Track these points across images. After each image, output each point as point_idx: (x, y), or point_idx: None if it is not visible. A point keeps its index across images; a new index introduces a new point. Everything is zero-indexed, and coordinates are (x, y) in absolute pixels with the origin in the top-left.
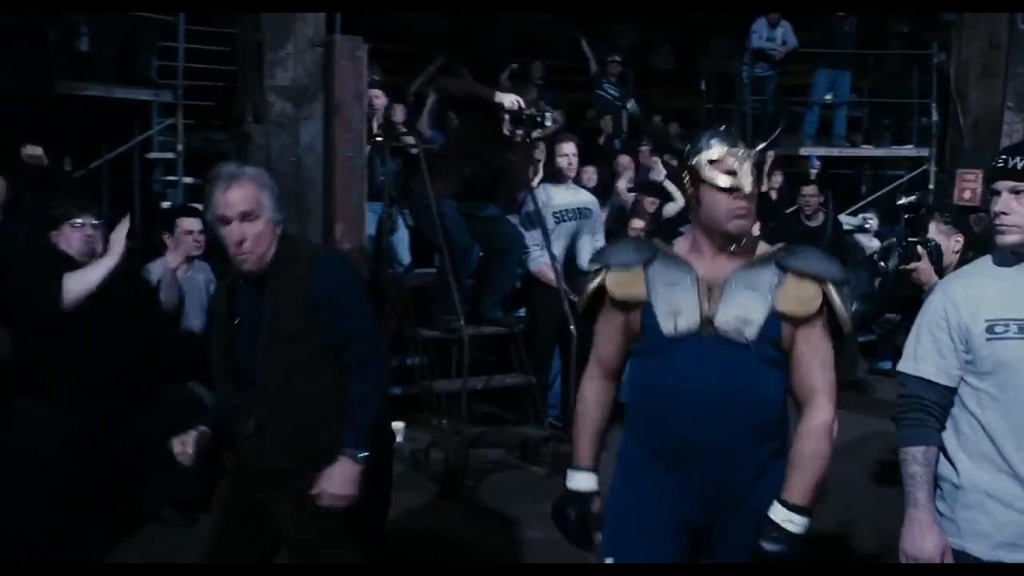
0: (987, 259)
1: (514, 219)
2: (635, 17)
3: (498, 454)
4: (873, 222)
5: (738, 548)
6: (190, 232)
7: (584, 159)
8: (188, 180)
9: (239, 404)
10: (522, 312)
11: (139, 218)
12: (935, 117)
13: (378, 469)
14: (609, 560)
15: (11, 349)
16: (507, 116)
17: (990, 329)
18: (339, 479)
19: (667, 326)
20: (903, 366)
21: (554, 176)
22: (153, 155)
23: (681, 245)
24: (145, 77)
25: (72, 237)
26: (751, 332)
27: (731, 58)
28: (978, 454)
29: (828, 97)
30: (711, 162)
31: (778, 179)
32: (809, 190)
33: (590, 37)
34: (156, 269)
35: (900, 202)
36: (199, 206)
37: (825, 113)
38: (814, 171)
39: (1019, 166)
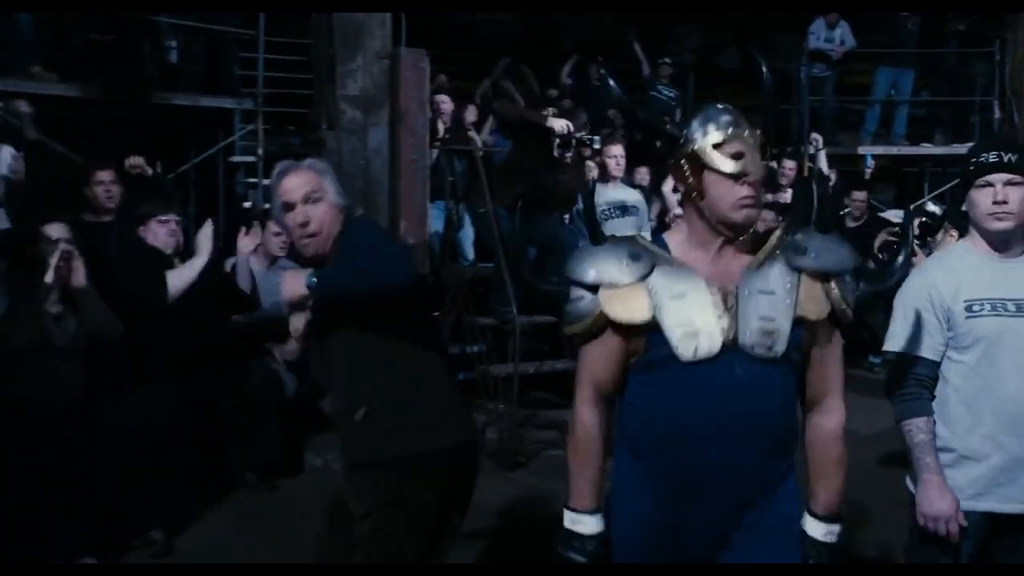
0: (960, 246)
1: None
2: (701, 17)
3: (549, 435)
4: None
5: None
6: (278, 234)
7: (639, 160)
8: (267, 182)
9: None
10: None
11: (222, 218)
12: (997, 114)
13: (464, 472)
14: None
15: (121, 334)
16: (557, 140)
17: (968, 308)
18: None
19: (685, 350)
20: (894, 346)
21: (602, 175)
22: (236, 159)
23: (676, 246)
24: (229, 87)
25: (158, 231)
26: (780, 346)
27: (789, 58)
28: (955, 419)
29: (891, 94)
30: (715, 146)
31: (833, 176)
32: (859, 195)
33: (656, 38)
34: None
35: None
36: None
37: (885, 112)
38: (869, 170)
39: (1012, 160)
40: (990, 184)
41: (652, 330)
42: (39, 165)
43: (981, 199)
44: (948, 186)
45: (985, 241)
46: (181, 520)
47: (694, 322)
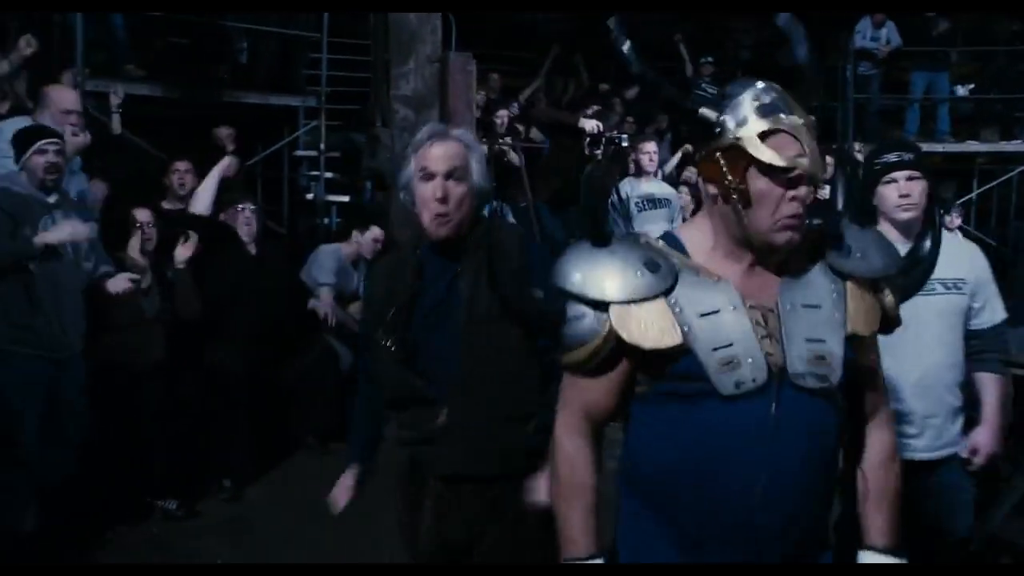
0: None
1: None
2: (760, 14)
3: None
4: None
5: None
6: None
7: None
8: (328, 175)
9: (420, 393)
10: None
11: (287, 207)
12: None
13: None
14: None
15: (200, 310)
16: (588, 139)
17: None
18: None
19: (725, 383)
20: None
21: (636, 171)
22: (299, 153)
23: (698, 250)
24: (294, 86)
25: (238, 217)
26: (836, 374)
27: (836, 56)
28: None
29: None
30: (763, 135)
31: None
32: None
33: (712, 35)
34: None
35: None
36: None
37: (927, 111)
38: None
39: (910, 158)
40: (895, 180)
41: (679, 355)
42: (121, 158)
43: (888, 193)
44: (996, 182)
45: (894, 229)
46: (249, 473)
47: (731, 347)
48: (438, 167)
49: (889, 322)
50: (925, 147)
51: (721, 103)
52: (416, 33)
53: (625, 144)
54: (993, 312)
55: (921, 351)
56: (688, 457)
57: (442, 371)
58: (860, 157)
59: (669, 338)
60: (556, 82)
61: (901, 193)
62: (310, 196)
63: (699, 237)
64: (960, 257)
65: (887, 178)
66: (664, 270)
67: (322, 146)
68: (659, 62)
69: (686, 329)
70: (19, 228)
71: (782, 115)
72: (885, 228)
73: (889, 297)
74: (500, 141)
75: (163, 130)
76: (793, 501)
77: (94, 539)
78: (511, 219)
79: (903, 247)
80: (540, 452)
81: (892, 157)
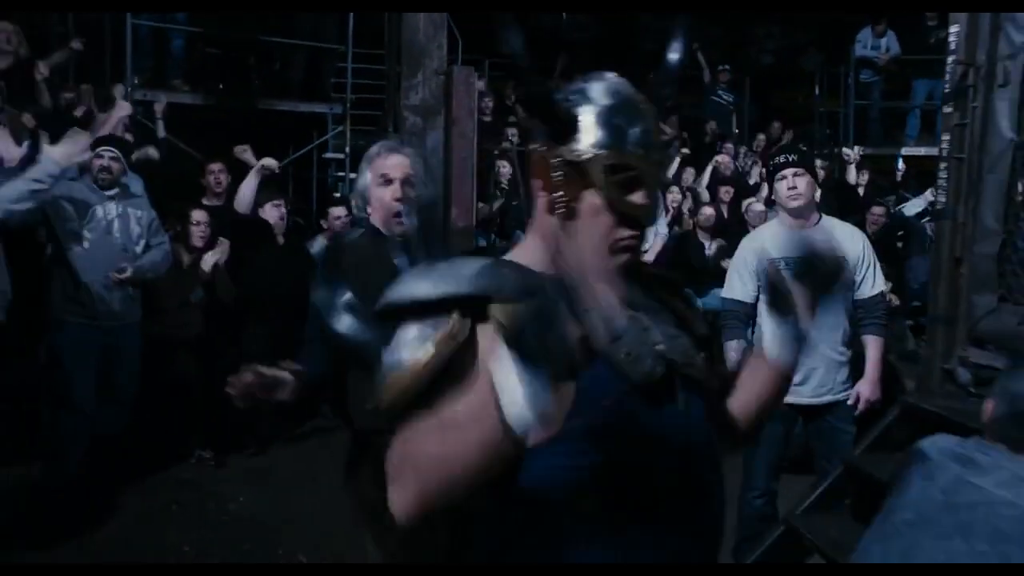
0: (774, 222)
1: None
2: (783, 19)
3: None
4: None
5: None
6: (338, 218)
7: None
8: (353, 175)
9: None
10: None
11: (315, 205)
12: None
13: None
14: None
15: (236, 293)
16: None
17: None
18: None
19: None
20: (724, 293)
21: None
22: (328, 155)
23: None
24: (322, 94)
25: (272, 213)
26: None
27: (837, 63)
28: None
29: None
30: (612, 168)
31: (864, 177)
32: (878, 210)
33: (734, 40)
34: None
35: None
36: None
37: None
38: (900, 172)
39: (794, 159)
40: (784, 177)
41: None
42: (165, 159)
43: (780, 188)
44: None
45: (788, 216)
46: (275, 440)
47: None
48: (395, 174)
49: None
50: (924, 151)
51: (570, 99)
52: (424, 49)
53: None
54: (872, 285)
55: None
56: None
57: None
58: (851, 168)
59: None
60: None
61: (789, 186)
62: (337, 195)
63: (535, 257)
64: (843, 239)
65: (779, 176)
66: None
67: (347, 149)
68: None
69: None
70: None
71: (629, 145)
72: (781, 218)
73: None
74: (498, 148)
75: (204, 134)
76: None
77: (136, 479)
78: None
79: (791, 232)
80: None
81: (781, 159)
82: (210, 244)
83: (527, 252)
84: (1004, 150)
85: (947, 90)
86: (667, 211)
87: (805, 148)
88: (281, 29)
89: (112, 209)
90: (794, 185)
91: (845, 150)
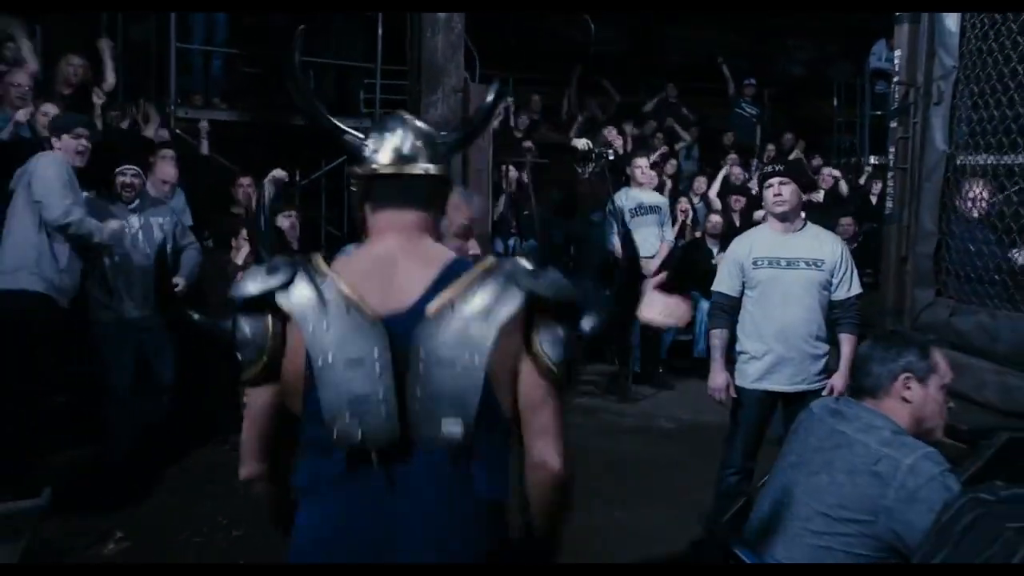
0: (763, 225)
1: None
2: (811, 30)
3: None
4: None
5: None
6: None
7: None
8: None
9: None
10: None
11: (347, 214)
12: None
13: None
14: None
15: None
16: (578, 155)
17: (754, 263)
18: None
19: None
20: (713, 287)
21: (630, 182)
22: None
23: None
24: (354, 108)
25: (282, 222)
26: None
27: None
28: (746, 332)
29: None
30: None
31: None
32: (846, 220)
33: (764, 52)
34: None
35: None
36: None
37: None
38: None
39: (780, 169)
40: (771, 184)
41: None
42: (206, 173)
43: (768, 195)
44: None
45: (775, 220)
46: None
47: None
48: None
49: None
50: None
51: (368, 133)
52: (443, 68)
53: (612, 158)
54: (848, 288)
55: (785, 308)
56: None
57: None
58: (842, 184)
59: None
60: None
61: (775, 193)
62: None
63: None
64: (823, 244)
65: (767, 184)
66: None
67: None
68: (701, 81)
69: None
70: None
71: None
72: (769, 222)
73: None
74: (510, 161)
75: (242, 149)
76: None
77: (176, 462)
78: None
79: (776, 235)
80: None
81: (769, 169)
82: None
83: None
84: (938, 160)
85: (894, 107)
86: (675, 220)
87: (797, 160)
88: (312, 49)
89: (135, 221)
90: (779, 192)
91: (870, 158)
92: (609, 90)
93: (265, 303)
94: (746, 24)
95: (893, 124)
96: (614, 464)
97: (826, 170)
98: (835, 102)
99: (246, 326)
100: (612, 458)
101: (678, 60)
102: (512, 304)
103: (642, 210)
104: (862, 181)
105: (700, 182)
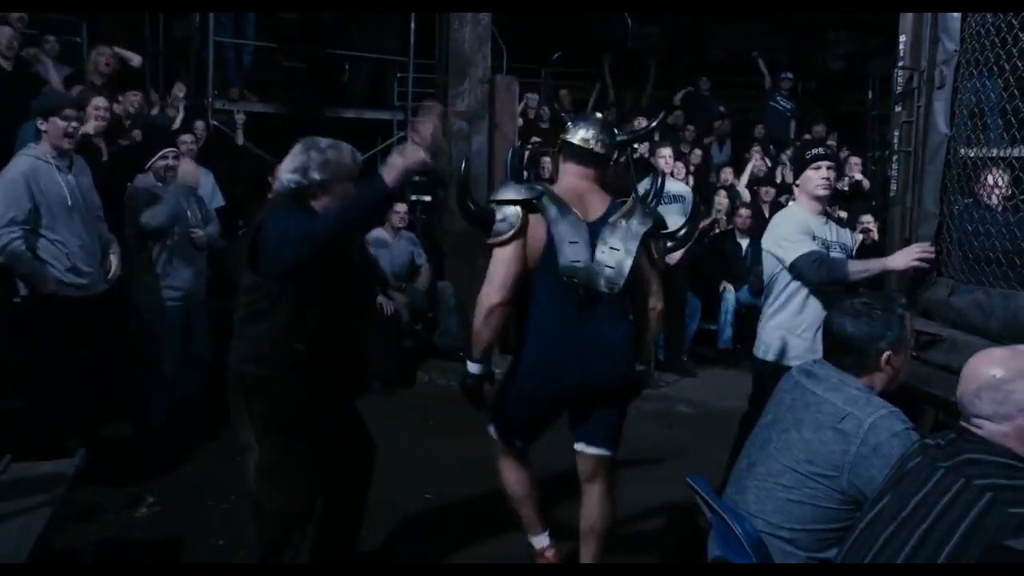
0: (797, 206)
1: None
2: (851, 23)
3: None
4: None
5: None
6: (398, 212)
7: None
8: (414, 178)
9: None
10: None
11: None
12: None
13: None
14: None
15: None
16: None
17: (813, 239)
18: None
19: None
20: (796, 252)
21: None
22: None
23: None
24: (386, 102)
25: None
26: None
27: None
28: (791, 308)
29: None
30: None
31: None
32: (866, 218)
33: (804, 47)
34: (374, 233)
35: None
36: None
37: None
38: None
39: (827, 152)
40: (820, 167)
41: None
42: (243, 162)
43: (814, 176)
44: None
45: (814, 202)
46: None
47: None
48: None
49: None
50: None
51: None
52: (470, 60)
53: (637, 148)
54: None
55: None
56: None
57: None
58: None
59: None
60: (624, 94)
61: (823, 176)
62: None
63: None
64: (845, 231)
65: (815, 164)
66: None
67: None
68: (740, 75)
69: None
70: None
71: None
72: (807, 203)
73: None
74: (530, 145)
75: (277, 139)
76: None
77: (207, 436)
78: None
79: (820, 218)
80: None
81: (819, 150)
82: None
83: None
84: (940, 144)
85: (898, 92)
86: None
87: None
88: (348, 43)
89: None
90: (827, 176)
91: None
92: (645, 82)
93: (517, 202)
94: (785, 19)
95: (898, 108)
96: (628, 445)
97: (854, 159)
98: (870, 95)
99: (505, 212)
100: (627, 440)
101: (718, 56)
102: (647, 224)
103: (666, 199)
104: (889, 175)
105: (727, 173)
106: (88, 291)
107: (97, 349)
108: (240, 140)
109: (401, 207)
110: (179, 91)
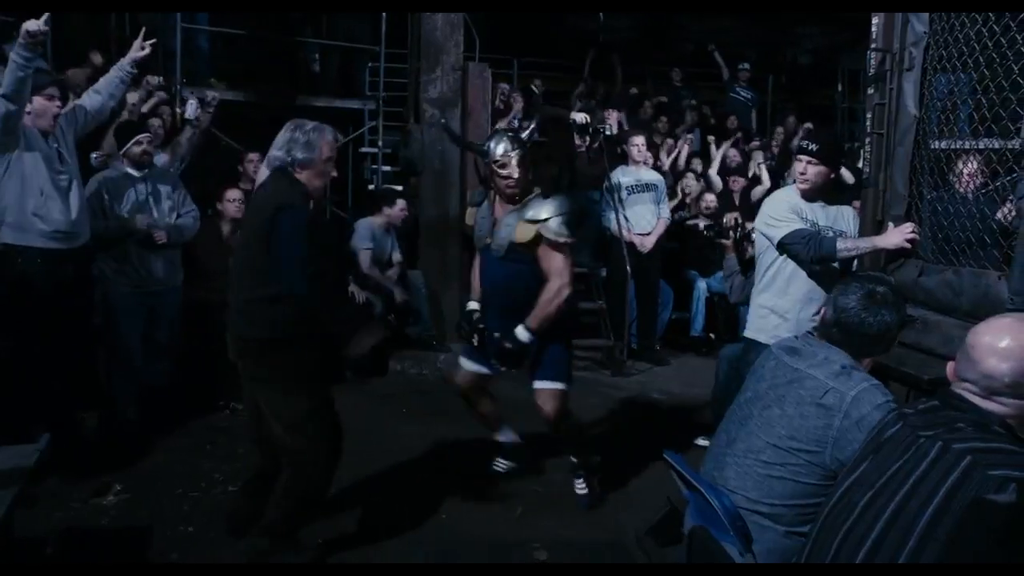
0: (790, 190)
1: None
2: (821, 18)
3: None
4: None
5: None
6: (403, 210)
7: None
8: (386, 168)
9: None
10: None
11: (350, 195)
12: None
13: None
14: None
15: None
16: (576, 128)
17: (803, 219)
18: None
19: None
20: (786, 231)
21: (628, 160)
22: (364, 150)
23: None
24: (358, 91)
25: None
26: (502, 251)
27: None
28: (775, 288)
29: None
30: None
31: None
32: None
33: (775, 40)
34: (364, 223)
35: None
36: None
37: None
38: None
39: (813, 148)
40: (800, 160)
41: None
42: (211, 149)
43: (796, 167)
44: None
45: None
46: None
47: (481, 231)
48: (334, 153)
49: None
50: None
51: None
52: (442, 46)
53: (608, 133)
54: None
55: (812, 270)
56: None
57: None
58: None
59: (469, 222)
60: (596, 85)
61: (800, 171)
62: (371, 187)
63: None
64: (844, 216)
65: (797, 158)
66: (480, 198)
67: (380, 143)
68: (698, 67)
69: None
70: (113, 204)
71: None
72: (796, 186)
73: (547, 229)
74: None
75: (248, 128)
76: (495, 291)
77: (178, 425)
78: None
79: (810, 204)
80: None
81: (804, 144)
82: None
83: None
84: (909, 125)
85: (871, 74)
86: (673, 196)
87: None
88: (319, 31)
89: (143, 189)
90: (804, 171)
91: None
92: (616, 74)
93: None
94: (755, 14)
95: (871, 91)
96: (603, 431)
97: None
98: (839, 88)
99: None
100: (602, 426)
101: (689, 48)
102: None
103: (639, 187)
104: (860, 165)
105: (697, 163)
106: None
107: (64, 335)
108: (206, 125)
109: (402, 202)
110: (153, 79)
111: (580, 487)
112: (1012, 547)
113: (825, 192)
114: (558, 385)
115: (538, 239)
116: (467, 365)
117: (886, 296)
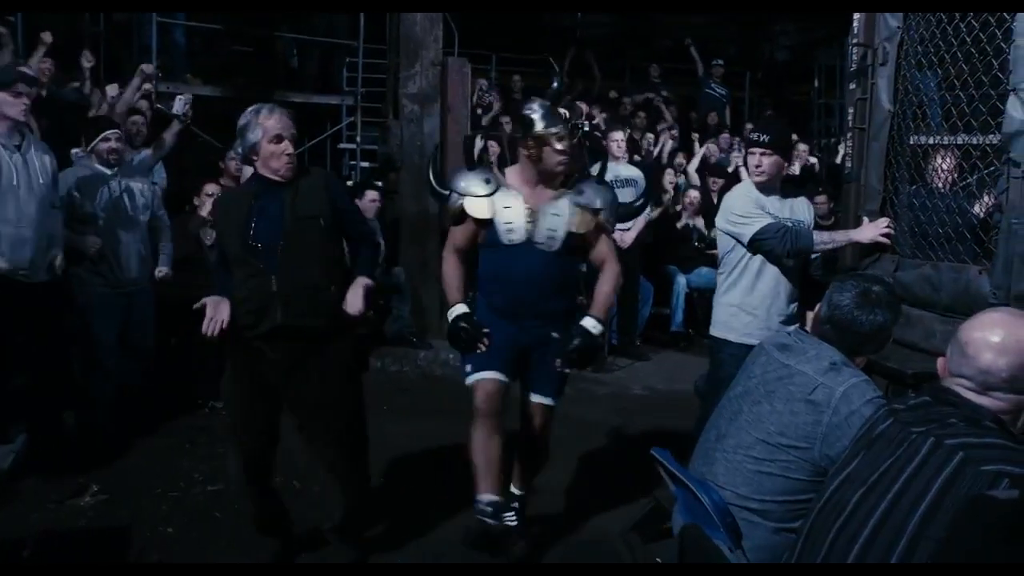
0: (748, 184)
1: None
2: (798, 15)
3: None
4: None
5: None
6: (374, 200)
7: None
8: (364, 164)
9: (257, 270)
10: None
11: None
12: None
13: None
14: (468, 367)
15: None
16: None
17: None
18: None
19: (505, 239)
20: (756, 227)
21: (608, 156)
22: (342, 145)
23: (512, 177)
24: (336, 86)
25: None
26: (556, 244)
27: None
28: (741, 286)
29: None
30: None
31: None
32: (820, 199)
33: (752, 36)
34: None
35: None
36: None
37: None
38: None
39: (764, 139)
40: (753, 153)
41: (490, 224)
42: (188, 146)
43: (750, 162)
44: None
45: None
46: None
47: (512, 223)
48: (286, 132)
49: (602, 228)
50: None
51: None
52: (421, 42)
53: (587, 129)
54: None
55: (779, 267)
56: (496, 270)
57: (272, 254)
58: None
59: (482, 214)
60: (575, 82)
61: (755, 164)
62: (349, 183)
63: (514, 172)
64: (800, 207)
65: (750, 151)
66: (492, 183)
67: (358, 138)
68: (673, 62)
69: (495, 211)
70: (85, 203)
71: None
72: (753, 184)
73: (600, 217)
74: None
75: (225, 124)
76: (539, 291)
77: (157, 425)
78: None
79: (769, 198)
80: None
81: (753, 136)
82: None
83: (512, 170)
84: (884, 120)
85: (852, 69)
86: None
87: (777, 122)
88: (297, 27)
89: (116, 186)
90: (759, 164)
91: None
92: (594, 70)
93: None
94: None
95: (852, 86)
96: (585, 428)
97: (801, 146)
98: (816, 84)
99: (456, 201)
100: (584, 423)
101: (667, 44)
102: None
103: (619, 183)
104: (838, 161)
105: (681, 158)
106: (25, 279)
107: (38, 337)
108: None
109: (372, 193)
110: (148, 67)
111: (511, 519)
112: (1015, 545)
113: (778, 183)
114: (554, 401)
115: (594, 227)
116: (486, 375)
117: (881, 296)
